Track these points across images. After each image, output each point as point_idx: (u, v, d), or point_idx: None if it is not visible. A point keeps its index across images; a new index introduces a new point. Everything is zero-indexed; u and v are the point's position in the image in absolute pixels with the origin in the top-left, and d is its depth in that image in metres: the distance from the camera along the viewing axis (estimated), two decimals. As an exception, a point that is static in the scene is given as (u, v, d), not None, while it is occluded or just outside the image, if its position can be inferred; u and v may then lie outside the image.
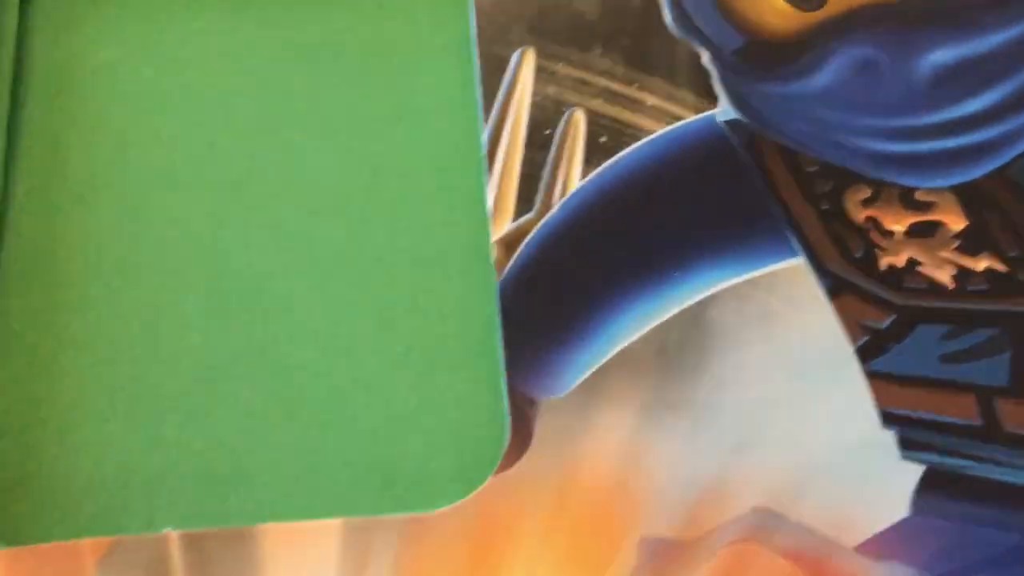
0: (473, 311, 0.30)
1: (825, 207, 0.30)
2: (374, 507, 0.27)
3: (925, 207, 0.30)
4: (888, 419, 0.27)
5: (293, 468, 0.28)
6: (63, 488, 0.28)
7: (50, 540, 0.27)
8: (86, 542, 0.27)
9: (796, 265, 0.29)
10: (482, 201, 0.31)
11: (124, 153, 0.32)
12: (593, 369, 0.28)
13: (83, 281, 0.30)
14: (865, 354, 0.28)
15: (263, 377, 0.29)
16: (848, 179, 0.30)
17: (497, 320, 0.29)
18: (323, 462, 0.28)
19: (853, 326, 0.28)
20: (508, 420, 0.28)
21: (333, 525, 0.26)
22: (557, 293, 0.29)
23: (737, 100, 0.31)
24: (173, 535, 0.26)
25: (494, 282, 0.29)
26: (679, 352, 0.28)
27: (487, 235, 0.30)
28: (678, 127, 0.31)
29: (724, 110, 0.31)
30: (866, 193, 0.30)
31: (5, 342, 0.29)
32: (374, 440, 0.28)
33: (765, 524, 0.26)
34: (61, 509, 0.26)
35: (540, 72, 0.33)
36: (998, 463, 0.27)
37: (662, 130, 0.31)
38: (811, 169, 0.30)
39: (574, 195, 0.30)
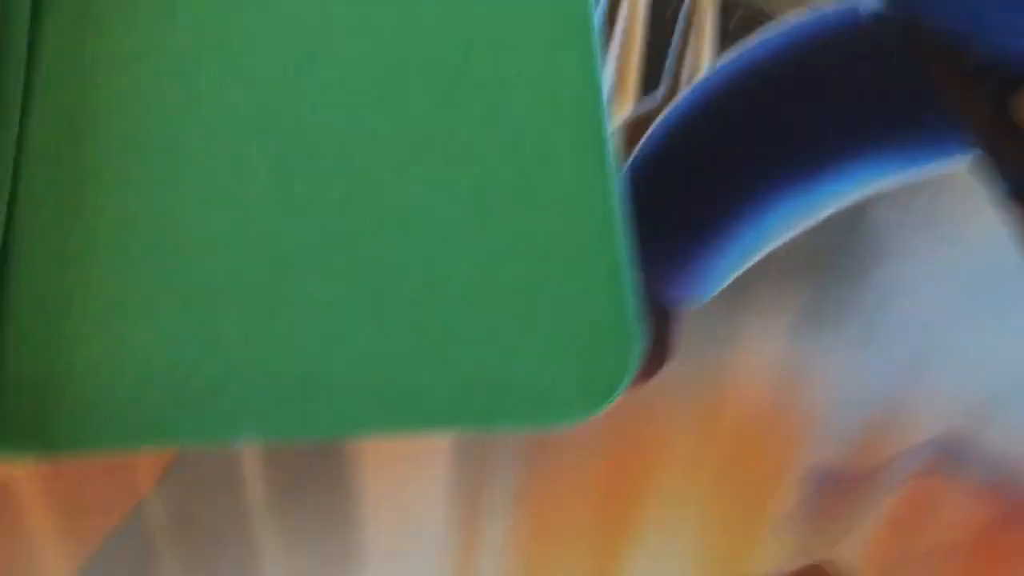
0: (589, 201, 0.26)
1: (994, 105, 0.26)
2: (481, 421, 0.24)
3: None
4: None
5: (381, 375, 0.25)
6: (108, 390, 0.24)
7: (94, 450, 0.23)
8: (139, 459, 0.23)
9: (966, 167, 0.26)
10: (597, 79, 0.27)
11: (172, 12, 0.28)
12: (738, 274, 0.25)
13: (123, 154, 0.26)
14: (1050, 265, 0.25)
15: (342, 271, 0.26)
16: (1015, 79, 0.27)
17: (619, 214, 0.26)
18: (417, 369, 0.25)
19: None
20: (641, 328, 0.24)
21: (441, 445, 0.23)
22: (694, 186, 0.26)
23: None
24: (249, 450, 0.22)
25: (614, 170, 0.26)
26: (837, 258, 0.25)
27: (603, 117, 0.27)
28: (819, 16, 0.28)
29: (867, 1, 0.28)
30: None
31: (34, 220, 0.26)
32: (477, 345, 0.25)
33: (950, 455, 0.23)
34: (106, 414, 0.23)
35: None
36: None
37: (801, 18, 0.28)
38: (973, 66, 0.27)
39: (708, 79, 0.27)
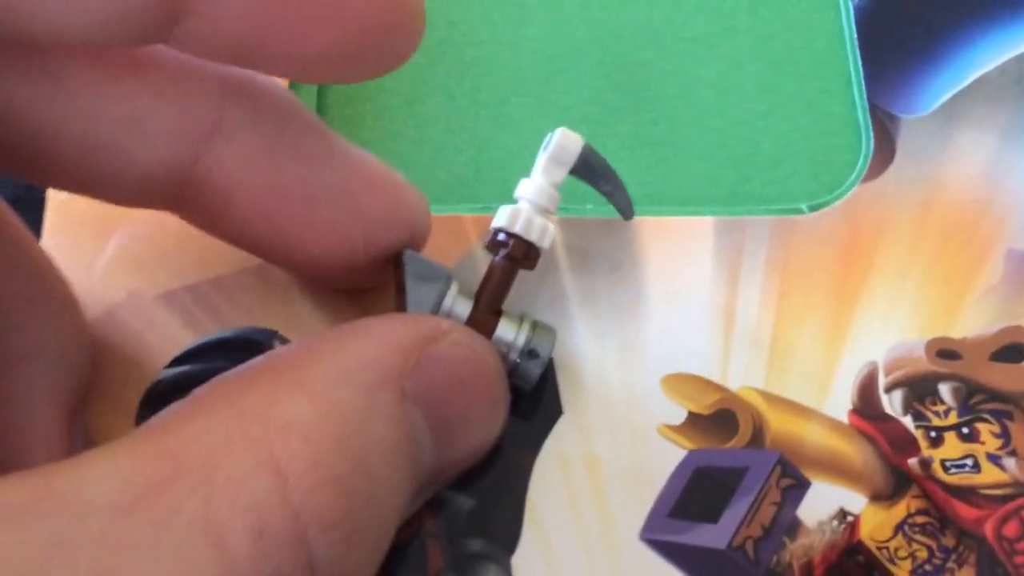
0: (819, 23, 0.30)
1: None
2: (730, 205, 0.28)
3: None
4: None
5: (644, 158, 0.29)
6: (413, 154, 0.29)
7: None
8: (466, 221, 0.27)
9: None
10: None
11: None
12: (953, 92, 0.29)
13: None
14: None
15: (607, 70, 0.30)
16: None
17: (848, 34, 0.30)
18: (674, 154, 0.29)
19: None
20: (869, 132, 0.28)
21: (707, 222, 0.27)
22: (915, 17, 0.30)
23: None
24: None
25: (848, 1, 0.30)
26: (1038, 82, 0.29)
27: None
28: None
29: None
30: None
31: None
32: (725, 137, 0.29)
33: None
34: (413, 175, 0.26)
35: None
36: None
37: None
38: None
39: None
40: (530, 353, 0.24)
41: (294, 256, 0.24)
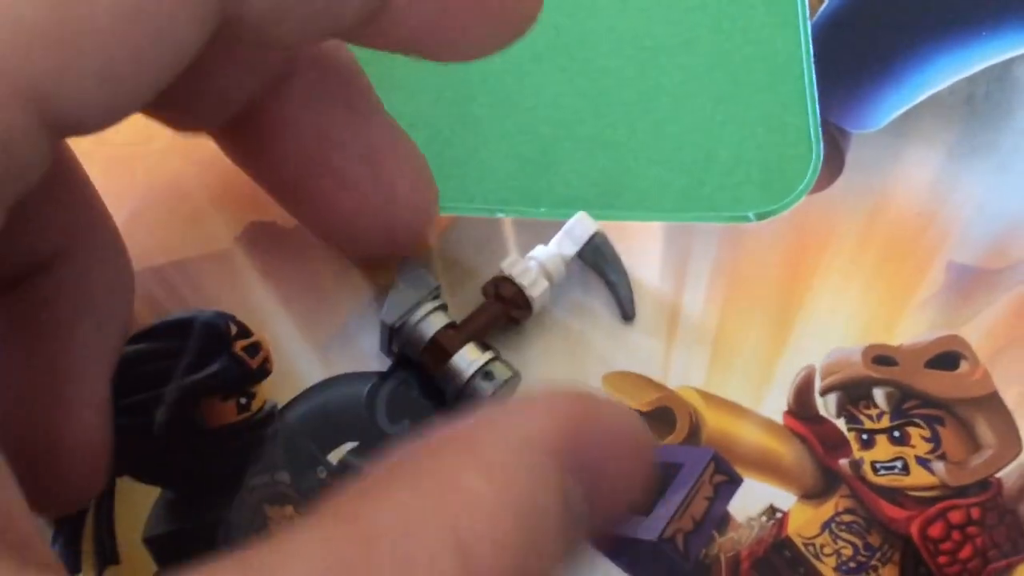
0: (777, 39, 0.31)
1: None
2: (684, 206, 0.29)
3: None
4: None
5: (601, 161, 0.30)
6: None
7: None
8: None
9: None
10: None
11: None
12: (904, 110, 0.30)
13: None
14: None
15: (570, 74, 0.31)
16: None
17: (804, 50, 0.31)
18: (631, 158, 0.30)
19: None
20: (820, 144, 0.29)
21: (656, 226, 0.28)
22: (871, 37, 0.31)
23: None
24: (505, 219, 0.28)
25: (800, 13, 0.31)
26: (985, 103, 0.30)
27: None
28: None
29: None
30: None
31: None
32: (680, 144, 0.30)
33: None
34: None
35: None
36: None
37: None
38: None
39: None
40: (485, 374, 0.25)
41: (316, 204, 0.25)
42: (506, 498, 0.17)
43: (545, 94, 0.31)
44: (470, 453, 0.18)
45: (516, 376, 0.26)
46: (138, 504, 0.26)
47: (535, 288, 0.26)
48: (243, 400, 0.26)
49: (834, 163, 0.30)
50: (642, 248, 0.28)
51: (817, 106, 0.30)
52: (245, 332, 0.27)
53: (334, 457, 0.26)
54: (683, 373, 0.27)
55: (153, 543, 0.25)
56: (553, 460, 0.18)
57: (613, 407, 0.22)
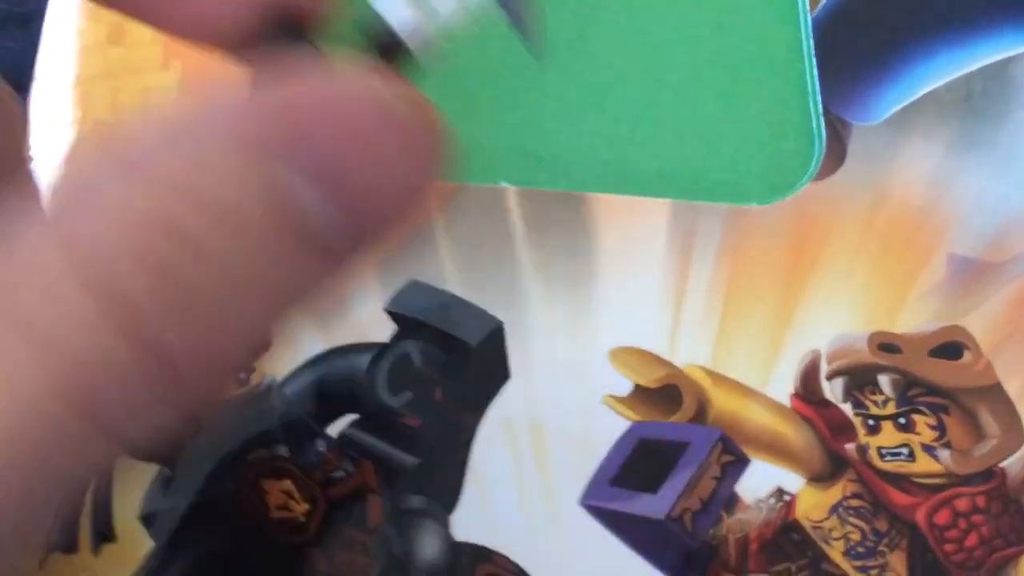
0: (779, 34, 0.31)
1: None
2: (686, 192, 0.28)
3: None
4: None
5: (603, 153, 0.29)
6: None
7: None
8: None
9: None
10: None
11: None
12: (903, 104, 0.30)
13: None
14: None
15: (573, 69, 0.31)
16: None
17: (804, 45, 0.31)
18: (634, 151, 0.29)
19: None
20: (821, 138, 0.29)
21: (663, 203, 0.28)
22: (870, 32, 0.30)
23: None
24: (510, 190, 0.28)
25: (800, 10, 0.31)
26: (983, 101, 0.30)
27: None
28: None
29: None
30: None
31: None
32: (682, 137, 0.30)
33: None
34: None
35: None
36: None
37: None
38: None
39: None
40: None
41: None
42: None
43: (550, 87, 0.31)
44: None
45: None
46: (134, 482, 0.24)
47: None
48: (241, 375, 0.25)
49: (836, 152, 0.30)
50: (648, 224, 0.28)
51: (819, 101, 0.30)
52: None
53: (333, 430, 0.25)
54: (690, 351, 0.26)
55: (149, 520, 0.24)
56: (238, 147, 0.14)
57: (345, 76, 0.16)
